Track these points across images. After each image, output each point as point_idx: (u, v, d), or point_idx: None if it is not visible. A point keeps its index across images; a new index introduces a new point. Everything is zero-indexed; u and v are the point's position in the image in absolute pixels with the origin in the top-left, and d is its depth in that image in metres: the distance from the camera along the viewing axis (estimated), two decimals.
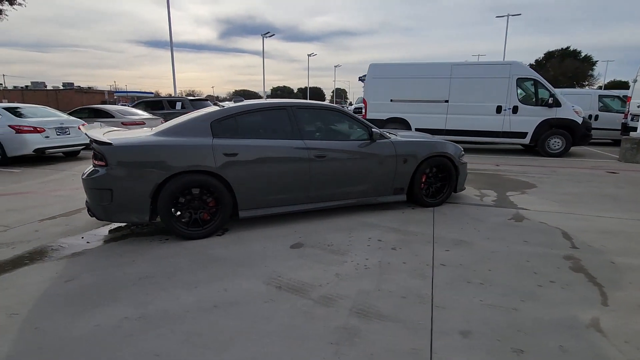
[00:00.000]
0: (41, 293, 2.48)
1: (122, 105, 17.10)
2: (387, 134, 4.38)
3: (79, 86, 60.71)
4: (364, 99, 10.09)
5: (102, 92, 54.58)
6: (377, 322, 2.16)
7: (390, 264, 2.94)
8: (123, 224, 3.84)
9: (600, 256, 3.08)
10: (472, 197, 5.01)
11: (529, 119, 8.87)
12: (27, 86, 64.36)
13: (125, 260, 2.99)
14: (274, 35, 36.18)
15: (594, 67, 46.75)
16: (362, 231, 3.68)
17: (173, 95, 22.87)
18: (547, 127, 8.82)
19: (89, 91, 55.80)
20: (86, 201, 3.37)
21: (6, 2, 11.93)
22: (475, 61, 9.27)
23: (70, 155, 9.13)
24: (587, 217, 4.15)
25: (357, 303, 2.36)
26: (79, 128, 7.46)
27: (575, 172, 6.91)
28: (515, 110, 8.90)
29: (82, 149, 8.93)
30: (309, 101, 4.17)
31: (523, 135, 9.00)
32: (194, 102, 13.33)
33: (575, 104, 9.65)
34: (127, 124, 9.63)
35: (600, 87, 43.92)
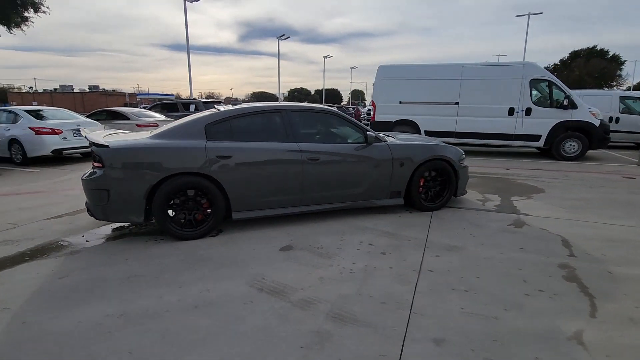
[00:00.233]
0: (35, 289, 2.60)
1: (143, 107, 17.57)
2: (384, 137, 4.35)
3: (104, 89, 63.01)
4: (372, 101, 10.04)
5: (123, 95, 56.35)
6: (351, 327, 2.15)
7: (376, 268, 2.92)
8: (125, 224, 3.97)
9: (598, 265, 2.96)
10: (474, 202, 4.90)
11: (542, 122, 8.60)
12: (55, 89, 67.28)
13: (119, 259, 3.09)
14: (289, 37, 36.48)
15: (623, 67, 44.78)
16: (354, 235, 3.67)
17: (188, 97, 23.40)
18: (562, 130, 8.52)
19: (113, 94, 57.85)
20: (86, 202, 3.50)
21: (31, 10, 12.55)
22: (486, 62, 9.07)
23: (87, 156, 9.48)
24: (593, 224, 3.99)
25: (335, 307, 2.36)
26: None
27: (588, 177, 6.65)
28: (528, 112, 8.64)
29: None
30: (303, 104, 4.20)
31: (537, 138, 8.73)
32: (208, 104, 13.59)
33: (594, 105, 9.30)
34: (141, 126, 9.92)
35: (629, 88, 42.10)
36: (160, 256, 3.15)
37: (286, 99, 78.38)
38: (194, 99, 20.74)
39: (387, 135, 4.68)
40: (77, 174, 7.09)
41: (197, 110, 13.07)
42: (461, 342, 2.00)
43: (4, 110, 8.65)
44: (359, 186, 4.06)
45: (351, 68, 61.87)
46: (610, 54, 44.48)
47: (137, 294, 2.53)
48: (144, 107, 15.86)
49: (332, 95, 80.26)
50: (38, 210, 4.55)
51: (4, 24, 12.68)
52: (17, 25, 13.19)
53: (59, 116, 8.94)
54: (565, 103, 8.31)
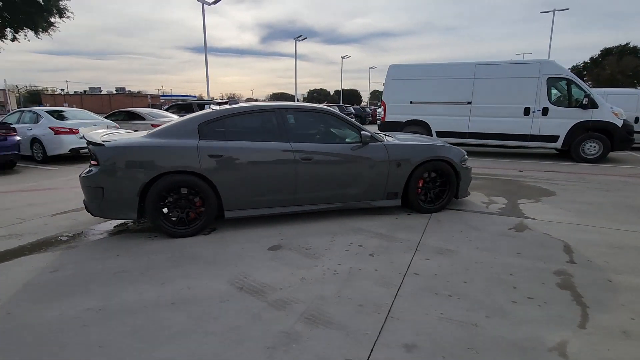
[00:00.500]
0: (26, 281, 2.69)
1: (166, 108, 18.01)
2: (381, 136, 4.27)
3: (129, 91, 65.40)
4: (382, 101, 9.91)
5: (146, 96, 58.24)
6: (322, 329, 2.11)
7: (361, 270, 2.87)
8: (128, 221, 4.07)
9: (597, 273, 2.79)
10: (478, 204, 4.74)
11: (560, 122, 8.24)
12: (85, 91, 70.43)
13: (110, 255, 3.17)
14: (306, 38, 36.62)
15: None
16: (346, 235, 3.62)
17: (204, 97, 23.85)
18: (582, 131, 8.14)
19: (137, 95, 59.87)
20: (84, 199, 3.61)
21: (56, 15, 13.16)
22: (501, 60, 8.76)
23: None
24: (600, 229, 3.77)
25: (310, 308, 2.32)
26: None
27: (607, 180, 6.31)
28: (545, 112, 8.30)
29: None
30: (299, 104, 4.18)
31: (554, 139, 8.37)
32: (221, 105, 13.81)
33: (619, 105, 8.86)
34: (156, 126, 10.17)
35: None
36: (151, 253, 3.21)
37: (305, 99, 78.66)
38: (211, 99, 21.14)
39: (386, 135, 4.60)
40: None
41: None
42: (433, 349, 1.93)
43: (28, 111, 9.08)
44: (354, 187, 4.01)
45: (370, 68, 61.42)
46: None
47: (121, 289, 2.58)
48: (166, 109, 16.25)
49: (352, 96, 79.80)
50: (47, 206, 4.74)
51: (32, 29, 13.36)
52: (45, 30, 13.85)
53: (78, 116, 9.31)
54: (584, 102, 7.93)
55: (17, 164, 7.97)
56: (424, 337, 2.03)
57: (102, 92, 66.40)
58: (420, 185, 4.28)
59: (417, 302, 2.39)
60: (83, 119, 9.11)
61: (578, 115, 8.09)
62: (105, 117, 10.71)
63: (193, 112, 13.67)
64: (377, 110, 24.51)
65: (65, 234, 3.69)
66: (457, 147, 4.49)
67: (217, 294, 2.51)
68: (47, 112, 8.73)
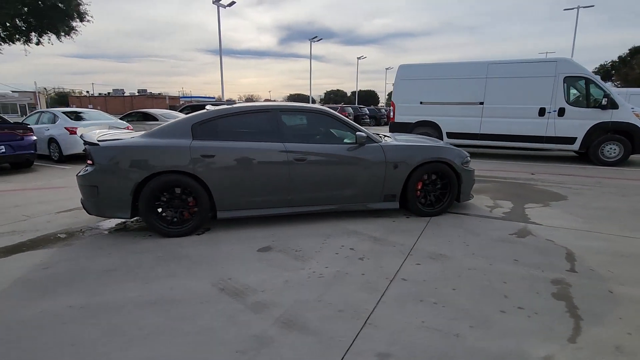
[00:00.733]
0: (18, 277, 2.76)
1: (181, 109, 18.35)
2: (379, 137, 4.18)
3: (150, 92, 67.21)
4: (392, 101, 9.76)
5: (164, 97, 59.72)
6: (296, 334, 2.06)
7: (347, 274, 2.80)
8: (129, 219, 4.14)
9: (598, 283, 2.63)
10: (482, 208, 4.58)
11: (578, 123, 7.89)
12: (109, 93, 72.84)
13: (102, 253, 3.22)
14: (321, 39, 36.61)
15: None
16: (339, 238, 3.55)
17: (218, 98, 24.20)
18: (601, 132, 7.77)
19: (158, 97, 61.48)
20: (81, 198, 3.69)
21: (77, 20, 13.67)
22: (515, 59, 8.47)
23: None
24: (609, 236, 3.57)
25: (288, 312, 2.28)
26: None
27: (625, 184, 5.99)
28: (561, 112, 7.97)
29: None
30: (294, 104, 4.14)
31: (571, 140, 8.03)
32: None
33: None
34: None
35: None
36: (141, 252, 3.24)
37: (322, 100, 78.62)
38: (227, 100, 21.42)
39: (386, 136, 4.51)
40: None
41: None
42: (407, 359, 1.85)
43: (46, 112, 9.43)
44: (349, 188, 3.94)
45: (386, 69, 60.79)
46: None
47: (105, 287, 2.61)
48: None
49: (369, 97, 79.23)
50: (53, 203, 4.88)
51: (54, 33, 13.91)
52: (67, 34, 14.39)
53: (94, 117, 9.59)
54: (604, 102, 7.57)
55: (35, 163, 8.28)
56: (399, 347, 1.95)
57: (124, 94, 68.51)
58: (419, 187, 4.16)
59: (399, 309, 2.31)
60: (98, 119, 9.38)
61: (597, 116, 7.73)
62: (121, 118, 11.00)
63: None
64: None
65: (65, 232, 3.78)
66: (459, 149, 4.35)
67: (198, 294, 2.50)
68: (63, 113, 9.04)
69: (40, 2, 12.67)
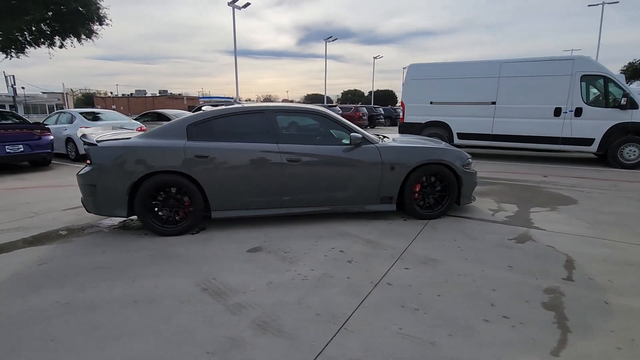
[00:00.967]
0: (14, 273, 2.86)
1: (195, 110, 18.75)
2: (375, 138, 4.12)
3: (171, 93, 68.95)
4: (401, 101, 9.61)
5: (182, 98, 61.09)
6: (269, 336, 2.05)
7: (332, 277, 2.77)
8: (131, 218, 4.23)
9: (595, 293, 2.50)
10: (484, 211, 4.44)
11: (596, 123, 7.56)
12: (132, 94, 75.08)
13: (97, 251, 3.30)
14: (337, 39, 36.61)
15: None
16: (330, 240, 3.52)
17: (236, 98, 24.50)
18: (621, 133, 7.41)
19: (177, 97, 62.94)
20: (81, 197, 3.80)
21: (96, 23, 14.15)
22: (529, 57, 8.18)
23: None
24: (615, 243, 3.39)
25: (265, 314, 2.27)
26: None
27: None
28: (578, 112, 7.65)
29: None
30: (289, 105, 4.13)
31: (589, 142, 7.69)
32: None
33: None
34: None
35: None
36: (135, 250, 3.31)
37: (339, 100, 78.47)
38: (245, 99, 21.66)
39: (385, 137, 4.44)
40: None
41: None
42: None
43: (64, 112, 9.79)
44: (344, 190, 3.89)
45: (403, 68, 60.09)
46: None
47: (93, 284, 2.67)
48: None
49: (387, 97, 78.45)
50: (62, 201, 5.05)
51: (76, 36, 14.45)
52: (88, 37, 14.90)
53: (110, 117, 9.90)
54: (623, 102, 7.21)
55: (53, 162, 8.61)
56: (372, 353, 1.90)
57: (146, 95, 70.52)
58: (417, 189, 4.08)
59: (378, 315, 2.26)
60: (113, 119, 9.67)
61: (616, 116, 7.38)
62: (136, 119, 11.30)
63: None
64: None
65: (66, 229, 3.90)
66: (460, 150, 4.24)
67: (180, 294, 2.52)
68: (80, 113, 9.36)
69: (62, 7, 13.18)
